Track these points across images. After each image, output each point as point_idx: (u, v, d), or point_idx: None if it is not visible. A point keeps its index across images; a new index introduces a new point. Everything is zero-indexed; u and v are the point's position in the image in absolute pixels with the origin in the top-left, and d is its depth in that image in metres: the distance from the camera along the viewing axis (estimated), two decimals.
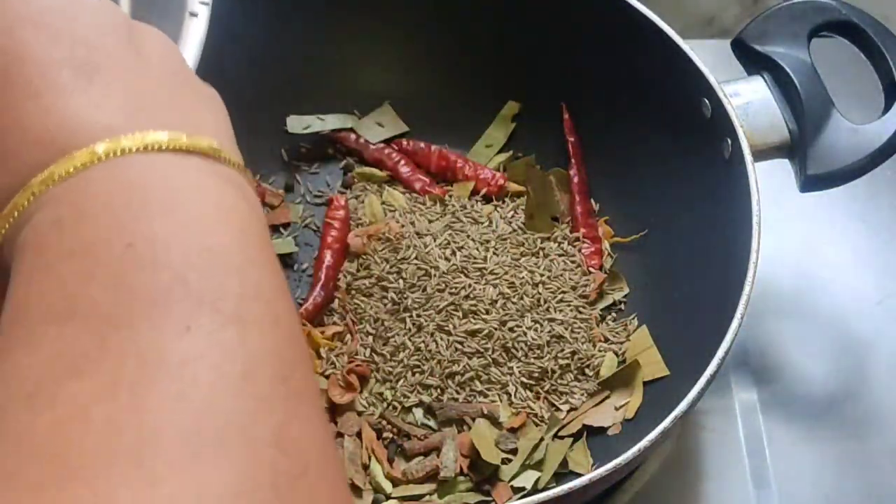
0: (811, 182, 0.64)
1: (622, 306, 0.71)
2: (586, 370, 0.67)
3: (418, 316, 0.67)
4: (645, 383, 0.65)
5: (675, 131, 0.68)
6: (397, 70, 0.77)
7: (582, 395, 0.66)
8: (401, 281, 0.68)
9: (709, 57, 0.65)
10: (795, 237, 0.76)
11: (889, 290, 0.75)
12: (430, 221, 0.72)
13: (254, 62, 0.74)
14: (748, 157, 0.62)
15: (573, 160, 0.74)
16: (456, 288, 0.67)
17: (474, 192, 0.75)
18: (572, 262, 0.71)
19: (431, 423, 0.65)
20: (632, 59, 0.69)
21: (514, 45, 0.74)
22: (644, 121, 0.70)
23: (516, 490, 0.62)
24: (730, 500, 0.68)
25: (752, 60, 0.66)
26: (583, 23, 0.70)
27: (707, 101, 0.64)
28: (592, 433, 0.65)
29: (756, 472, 0.68)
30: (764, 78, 0.65)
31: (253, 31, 0.72)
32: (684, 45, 0.65)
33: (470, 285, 0.67)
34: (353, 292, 0.69)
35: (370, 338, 0.67)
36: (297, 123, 0.76)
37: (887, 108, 0.64)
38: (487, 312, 0.67)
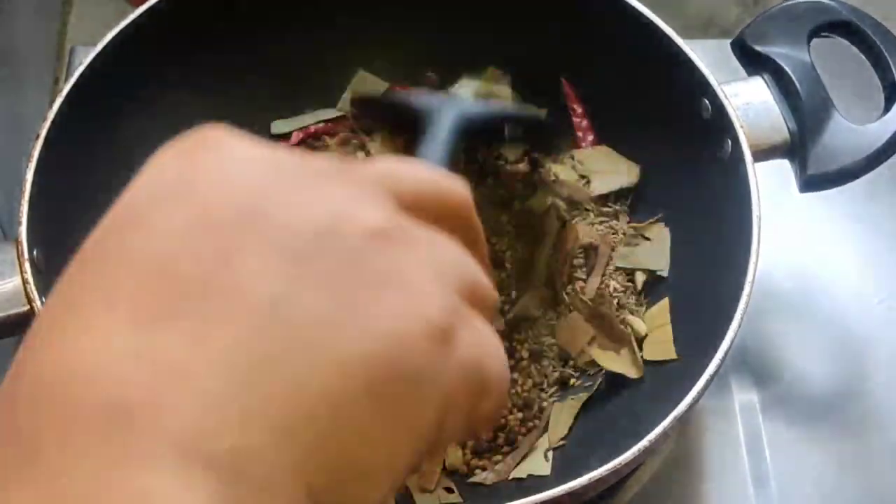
0: (811, 182, 0.64)
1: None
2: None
3: None
4: (645, 378, 0.65)
5: (675, 131, 0.68)
6: (387, 76, 0.77)
7: None
8: None
9: (709, 57, 0.65)
10: (795, 237, 0.76)
11: (889, 290, 0.75)
12: None
13: (241, 72, 0.73)
14: (748, 157, 0.62)
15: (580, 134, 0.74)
16: None
17: None
18: None
19: None
20: (631, 59, 0.69)
21: (512, 45, 0.74)
22: (643, 121, 0.70)
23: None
24: (730, 500, 0.68)
25: (752, 61, 0.66)
26: (582, 23, 0.70)
27: (707, 102, 0.64)
28: (592, 433, 0.65)
29: (756, 472, 0.68)
30: (764, 78, 0.65)
31: (234, 43, 0.72)
32: (684, 45, 0.65)
33: None
34: None
35: None
36: (284, 126, 0.76)
37: (887, 109, 0.64)
38: None
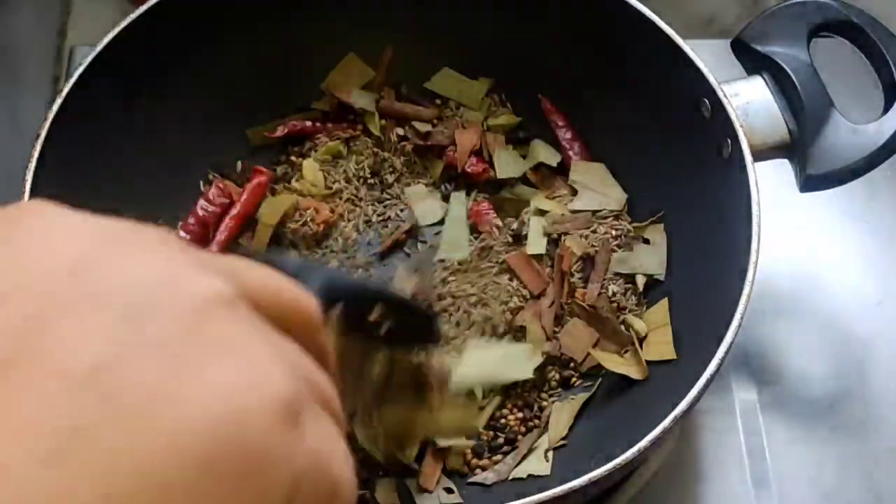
0: (811, 182, 0.64)
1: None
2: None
3: None
4: (646, 378, 0.65)
5: (675, 131, 0.68)
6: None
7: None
8: None
9: (709, 57, 0.65)
10: (795, 237, 0.76)
11: (889, 290, 0.75)
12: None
13: (241, 71, 0.73)
14: (748, 157, 0.61)
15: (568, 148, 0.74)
16: None
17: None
18: None
19: None
20: (631, 59, 0.69)
21: (509, 46, 0.74)
22: (644, 121, 0.70)
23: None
24: (730, 500, 0.68)
25: (752, 60, 0.66)
26: (582, 23, 0.70)
27: (707, 101, 0.64)
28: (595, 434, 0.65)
29: (756, 472, 0.68)
30: (764, 78, 0.65)
31: (234, 42, 0.72)
32: (684, 45, 0.65)
33: None
34: None
35: None
36: (259, 132, 0.76)
37: (887, 108, 0.64)
38: None
